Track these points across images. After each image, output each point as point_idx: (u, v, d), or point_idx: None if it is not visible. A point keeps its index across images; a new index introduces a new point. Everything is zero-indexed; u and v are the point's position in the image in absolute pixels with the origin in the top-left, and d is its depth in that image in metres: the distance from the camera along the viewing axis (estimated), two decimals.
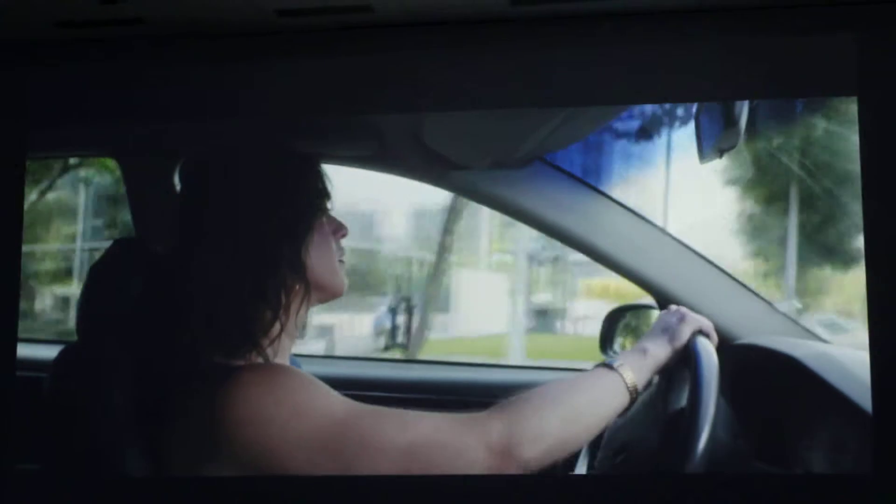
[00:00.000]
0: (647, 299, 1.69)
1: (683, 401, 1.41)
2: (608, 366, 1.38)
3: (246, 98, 1.56)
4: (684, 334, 1.44)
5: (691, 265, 1.67)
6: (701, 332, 1.45)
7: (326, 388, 1.31)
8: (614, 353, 1.73)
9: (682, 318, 1.46)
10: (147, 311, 1.41)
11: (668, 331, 1.45)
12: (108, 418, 1.38)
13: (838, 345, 1.60)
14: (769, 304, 1.66)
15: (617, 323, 1.76)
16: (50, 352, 1.53)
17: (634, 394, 1.37)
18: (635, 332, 1.76)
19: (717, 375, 1.37)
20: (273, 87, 1.56)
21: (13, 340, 1.59)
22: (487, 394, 1.75)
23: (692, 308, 1.58)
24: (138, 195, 1.70)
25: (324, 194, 1.44)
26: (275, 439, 1.25)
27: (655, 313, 1.67)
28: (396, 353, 1.99)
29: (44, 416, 1.48)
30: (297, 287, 1.38)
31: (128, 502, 1.48)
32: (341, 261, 1.46)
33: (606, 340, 1.76)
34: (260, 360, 1.34)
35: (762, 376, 1.53)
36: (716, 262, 1.66)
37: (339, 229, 1.45)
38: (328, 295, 1.46)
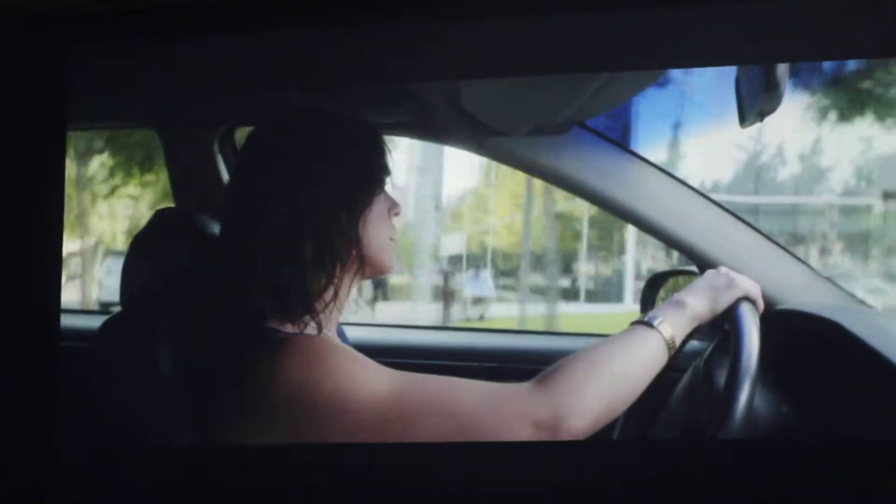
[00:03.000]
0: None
1: (721, 376, 1.38)
2: (646, 323, 1.35)
3: (286, 67, 1.56)
4: (728, 299, 1.40)
5: (733, 230, 1.66)
6: (747, 298, 1.41)
7: (371, 365, 1.29)
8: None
9: (729, 283, 1.42)
10: (194, 279, 1.42)
11: (712, 289, 1.41)
12: (155, 388, 1.40)
13: (883, 309, 1.59)
14: (812, 268, 1.65)
15: (658, 288, 1.76)
16: (93, 322, 1.56)
17: (673, 349, 1.34)
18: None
19: (758, 354, 1.33)
20: (311, 56, 1.55)
21: (57, 310, 1.61)
22: (530, 361, 1.78)
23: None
24: (178, 165, 1.72)
25: (385, 169, 1.41)
26: (319, 422, 1.24)
27: (697, 279, 1.67)
28: None
29: (90, 386, 1.51)
30: (351, 259, 1.36)
31: (177, 472, 1.50)
32: (392, 239, 1.43)
33: (647, 305, 1.77)
34: (313, 325, 1.32)
35: (804, 342, 1.52)
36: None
37: (393, 206, 1.43)
38: (376, 271, 1.43)
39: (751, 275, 1.58)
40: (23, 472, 1.55)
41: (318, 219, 1.33)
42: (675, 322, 1.36)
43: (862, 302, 1.63)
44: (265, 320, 1.33)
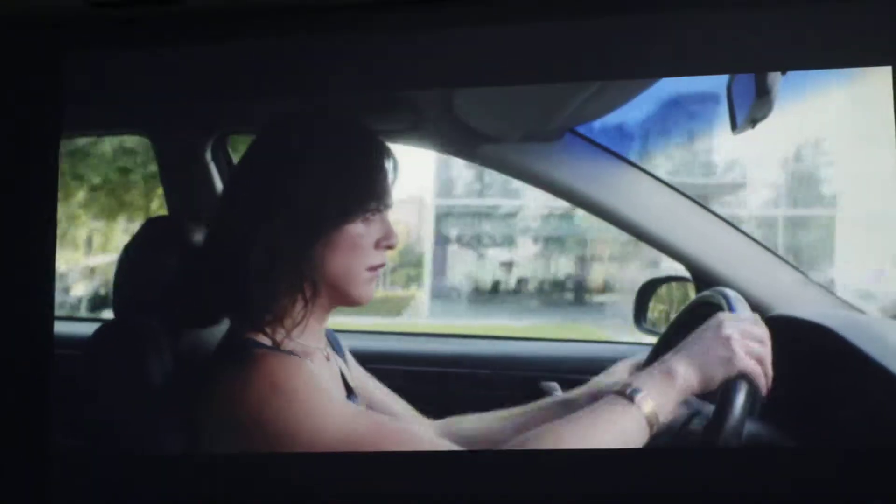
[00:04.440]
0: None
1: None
2: (627, 396, 1.26)
3: (281, 74, 1.56)
4: (724, 376, 1.29)
5: (725, 236, 1.66)
6: (745, 376, 1.29)
7: (327, 401, 1.27)
8: (649, 326, 1.73)
9: (727, 360, 1.29)
10: (181, 288, 1.42)
11: (707, 360, 1.29)
12: (144, 395, 1.40)
13: (874, 314, 1.59)
14: (804, 274, 1.65)
15: (650, 295, 1.76)
16: (86, 329, 1.55)
17: (655, 422, 1.26)
18: (669, 305, 1.76)
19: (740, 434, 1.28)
20: (307, 64, 1.56)
21: (50, 318, 1.61)
22: (523, 367, 1.77)
23: (726, 279, 1.57)
24: (171, 173, 1.72)
25: (369, 196, 1.34)
26: (269, 442, 1.24)
27: (689, 286, 1.67)
28: None
29: (81, 393, 1.50)
30: (305, 282, 1.31)
31: (166, 479, 1.50)
32: (373, 268, 1.36)
33: (640, 312, 1.76)
34: (289, 339, 1.31)
35: (797, 348, 1.51)
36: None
37: (386, 238, 1.35)
38: (343, 300, 1.37)
39: (742, 280, 1.58)
40: (18, 474, 1.55)
41: (270, 235, 1.29)
42: (660, 396, 1.27)
43: (853, 307, 1.63)
44: (243, 331, 1.32)
